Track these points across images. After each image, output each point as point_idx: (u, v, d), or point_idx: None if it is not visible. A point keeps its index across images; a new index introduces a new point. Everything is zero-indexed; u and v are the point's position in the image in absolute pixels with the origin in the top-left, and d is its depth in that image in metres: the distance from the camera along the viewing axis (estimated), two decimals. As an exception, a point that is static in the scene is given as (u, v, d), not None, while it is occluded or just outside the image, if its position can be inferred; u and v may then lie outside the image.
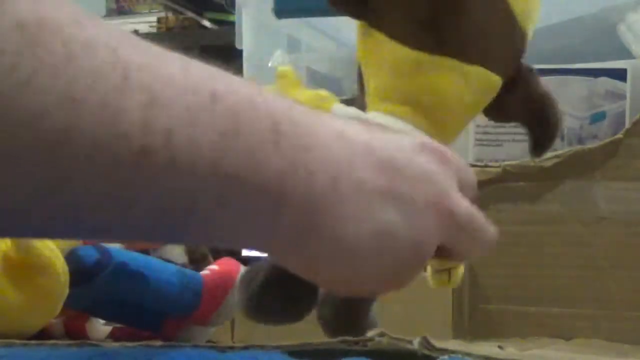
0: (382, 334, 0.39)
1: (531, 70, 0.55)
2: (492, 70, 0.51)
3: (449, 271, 0.55)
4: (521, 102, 0.54)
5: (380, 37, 0.51)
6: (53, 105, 0.29)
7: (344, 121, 0.39)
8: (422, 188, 0.39)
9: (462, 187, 0.42)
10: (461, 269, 0.57)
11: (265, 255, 0.47)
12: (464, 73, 0.50)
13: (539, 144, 0.55)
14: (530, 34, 0.55)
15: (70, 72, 0.29)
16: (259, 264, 0.52)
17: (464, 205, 0.41)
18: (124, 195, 0.32)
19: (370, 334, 0.39)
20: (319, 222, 0.36)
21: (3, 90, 0.28)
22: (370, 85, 0.52)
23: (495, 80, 0.52)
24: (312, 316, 0.54)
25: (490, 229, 0.45)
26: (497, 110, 0.55)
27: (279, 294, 0.49)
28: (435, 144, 0.42)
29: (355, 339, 0.39)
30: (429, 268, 0.55)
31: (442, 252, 0.43)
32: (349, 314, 0.53)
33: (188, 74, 0.33)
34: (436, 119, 0.50)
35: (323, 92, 0.55)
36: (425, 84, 0.50)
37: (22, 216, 0.31)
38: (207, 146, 0.32)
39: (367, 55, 0.52)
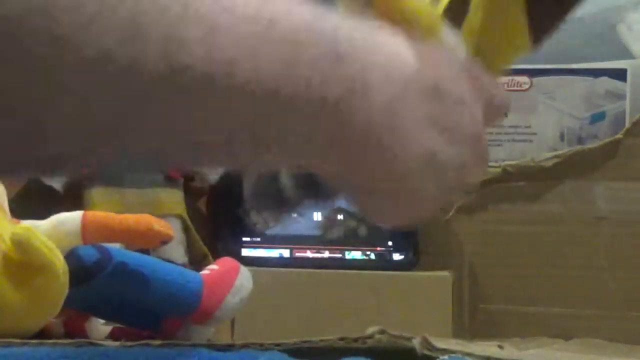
0: (381, 332, 0.39)
1: None
2: None
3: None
4: None
5: None
6: (117, 43, 0.29)
7: (398, 41, 0.40)
8: (463, 115, 0.41)
9: (488, 107, 0.43)
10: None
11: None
12: None
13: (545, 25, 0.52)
14: None
15: (132, 8, 0.29)
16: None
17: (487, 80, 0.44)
18: (192, 118, 0.32)
19: (369, 331, 0.39)
20: (376, 139, 0.37)
21: (67, 31, 0.28)
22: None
23: None
24: (312, 316, 0.53)
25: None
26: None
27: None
28: (475, 69, 0.44)
29: (354, 336, 0.39)
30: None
31: None
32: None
33: (247, 1, 0.33)
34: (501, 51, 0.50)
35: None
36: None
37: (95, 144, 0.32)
38: (268, 74, 0.33)
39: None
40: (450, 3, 0.51)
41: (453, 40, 0.48)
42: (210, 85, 0.31)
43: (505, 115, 0.92)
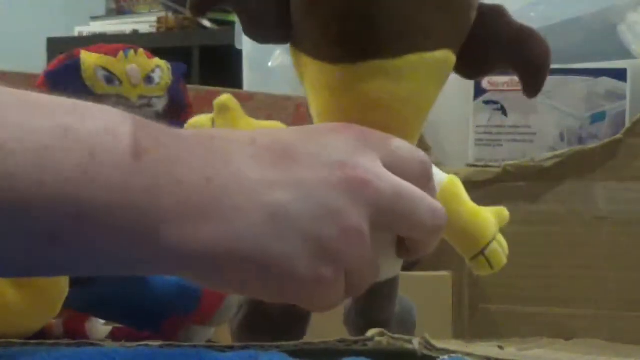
0: (381, 334, 0.39)
1: (497, 8, 0.49)
2: (429, 49, 0.46)
3: (482, 253, 0.52)
4: (496, 46, 0.48)
5: (306, 60, 0.47)
6: None
7: (221, 129, 0.40)
8: (317, 167, 0.38)
9: (394, 164, 0.40)
10: (495, 247, 0.52)
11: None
12: (398, 69, 0.45)
13: (531, 82, 0.49)
14: None
15: None
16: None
17: (385, 178, 0.39)
18: None
19: (369, 333, 0.39)
20: (200, 227, 0.36)
21: None
22: (312, 108, 0.49)
23: (439, 56, 0.46)
24: (312, 316, 0.53)
25: (436, 205, 0.41)
26: (474, 65, 0.50)
27: (263, 331, 0.47)
28: (352, 127, 0.41)
29: (354, 338, 0.39)
30: (466, 259, 0.53)
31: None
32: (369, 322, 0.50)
33: (37, 114, 0.34)
34: (384, 127, 0.45)
35: (274, 123, 0.51)
36: (359, 97, 0.46)
37: None
38: (60, 182, 0.33)
39: (302, 77, 0.48)
40: None
41: None
42: None
43: (505, 115, 0.92)
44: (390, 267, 0.45)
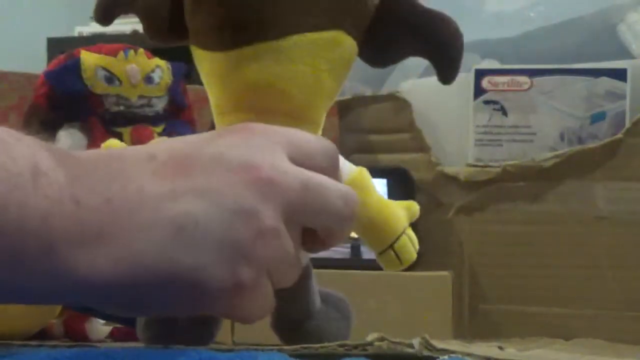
0: (382, 339, 0.39)
1: None
2: (314, 29, 0.46)
3: (391, 248, 0.49)
4: (401, 31, 0.48)
5: (198, 53, 0.47)
6: None
7: (120, 149, 0.39)
8: (219, 171, 0.37)
9: (299, 156, 0.39)
10: (405, 241, 0.50)
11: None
12: (278, 50, 0.45)
13: (443, 66, 0.48)
14: None
15: None
16: None
17: (291, 171, 0.38)
18: None
19: (369, 338, 0.39)
20: (101, 251, 0.34)
21: None
22: (211, 103, 0.49)
23: (326, 37, 0.46)
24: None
25: (347, 191, 0.40)
26: (380, 52, 0.49)
27: (177, 341, 0.47)
28: (247, 126, 0.40)
29: (354, 343, 0.39)
30: (375, 254, 0.51)
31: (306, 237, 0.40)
32: (294, 320, 0.50)
33: None
34: (277, 111, 0.46)
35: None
36: (246, 80, 0.46)
37: None
38: None
39: (201, 73, 0.48)
40: None
41: None
42: None
43: (505, 115, 0.92)
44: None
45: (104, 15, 0.49)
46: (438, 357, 0.39)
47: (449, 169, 0.91)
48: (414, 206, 0.52)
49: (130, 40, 0.88)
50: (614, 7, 0.98)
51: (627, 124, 0.86)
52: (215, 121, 0.49)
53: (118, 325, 0.76)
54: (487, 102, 0.92)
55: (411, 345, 0.39)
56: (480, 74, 0.92)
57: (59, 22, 2.74)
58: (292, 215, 0.38)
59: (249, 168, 0.37)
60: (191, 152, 0.38)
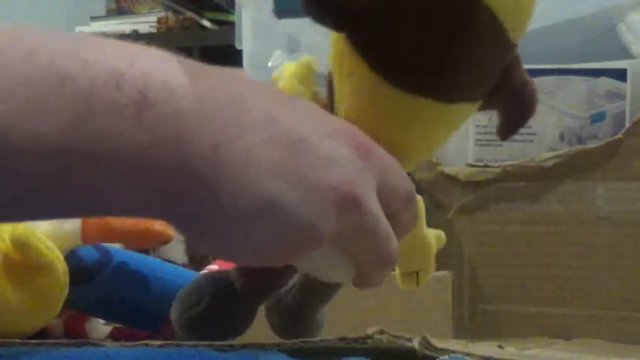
0: (381, 332, 0.39)
1: (517, 57, 0.51)
2: (476, 100, 0.48)
3: (416, 274, 0.55)
4: (501, 94, 0.50)
5: (358, 61, 0.46)
6: None
7: (253, 90, 0.38)
8: (323, 170, 0.38)
9: (386, 189, 0.41)
10: (431, 271, 0.56)
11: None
12: (445, 113, 0.46)
13: (511, 129, 0.51)
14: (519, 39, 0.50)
15: None
16: (198, 285, 0.52)
17: (373, 206, 0.40)
18: None
19: (369, 331, 0.39)
20: (196, 188, 0.35)
21: None
22: (343, 105, 0.48)
23: (476, 105, 0.48)
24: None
25: (394, 250, 0.42)
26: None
27: (221, 321, 0.48)
28: (364, 137, 0.41)
29: (354, 337, 0.39)
30: (397, 269, 0.54)
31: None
32: (296, 319, 0.52)
33: (34, 59, 0.33)
34: (399, 151, 0.46)
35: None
36: (402, 125, 0.46)
37: None
38: (53, 133, 0.32)
39: (341, 69, 0.47)
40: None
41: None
42: None
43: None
44: (340, 273, 0.44)
45: None
46: (438, 357, 0.39)
47: (449, 169, 0.91)
48: (442, 236, 0.59)
49: (130, 40, 0.88)
50: (614, 7, 0.98)
51: (627, 124, 0.86)
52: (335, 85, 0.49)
53: (118, 325, 0.76)
54: (487, 102, 0.92)
55: (410, 340, 0.39)
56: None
57: (59, 22, 2.75)
58: (346, 235, 0.40)
59: (348, 185, 0.39)
60: (309, 138, 0.38)
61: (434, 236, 0.56)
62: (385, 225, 0.41)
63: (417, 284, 0.55)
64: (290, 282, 0.53)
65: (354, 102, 0.47)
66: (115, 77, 0.34)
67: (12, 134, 0.32)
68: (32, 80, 0.32)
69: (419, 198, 0.51)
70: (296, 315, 0.52)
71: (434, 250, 0.56)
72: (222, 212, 0.36)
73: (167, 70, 0.35)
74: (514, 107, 0.50)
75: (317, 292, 0.52)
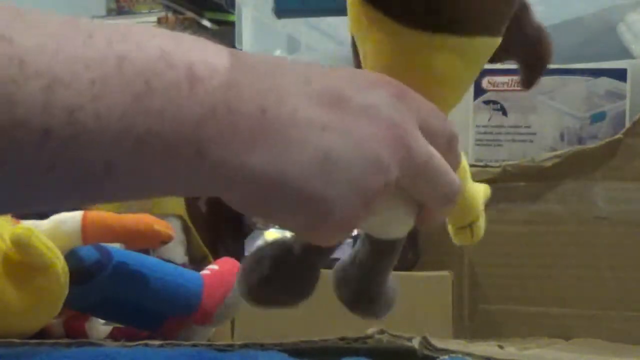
0: (381, 332, 0.39)
1: (525, 3, 0.51)
2: (493, 34, 0.49)
3: (470, 227, 0.55)
4: (516, 40, 0.51)
5: (372, 13, 0.48)
6: None
7: (284, 60, 0.40)
8: (368, 119, 0.39)
9: (427, 130, 0.42)
10: (481, 223, 0.56)
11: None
12: (466, 49, 0.48)
13: (532, 76, 0.52)
14: None
15: None
16: (259, 250, 0.52)
17: (422, 143, 0.41)
18: (34, 170, 0.33)
19: (369, 331, 0.39)
20: (249, 156, 0.37)
21: None
22: (367, 62, 0.50)
23: (495, 43, 0.49)
24: (312, 316, 0.53)
25: (455, 181, 0.43)
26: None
27: (283, 284, 0.49)
28: (397, 83, 0.43)
29: (354, 336, 0.39)
30: (450, 226, 0.56)
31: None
32: (365, 290, 0.52)
33: (92, 43, 0.34)
34: (431, 97, 0.47)
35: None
36: (425, 65, 0.47)
37: None
38: (116, 114, 0.34)
39: (359, 27, 0.49)
40: None
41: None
42: (46, 137, 0.33)
43: (505, 115, 0.92)
44: (399, 227, 0.46)
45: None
46: (438, 357, 0.39)
47: (449, 169, 0.91)
48: (489, 189, 0.58)
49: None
50: (614, 7, 0.98)
51: (627, 124, 0.86)
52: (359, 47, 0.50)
53: (118, 325, 0.76)
54: (487, 102, 0.92)
55: (410, 340, 0.39)
56: (480, 74, 0.92)
57: (59, 23, 2.74)
58: (405, 177, 0.41)
59: (394, 128, 0.40)
60: (343, 91, 0.40)
61: (482, 190, 0.57)
62: (439, 159, 0.42)
63: (472, 237, 0.55)
64: (353, 252, 0.53)
65: (377, 55, 0.48)
66: (164, 57, 0.35)
67: (81, 115, 0.33)
68: (94, 63, 0.34)
69: (462, 153, 0.52)
70: (364, 284, 0.52)
71: (482, 203, 0.56)
72: (280, 176, 0.37)
73: (207, 50, 0.37)
74: (530, 53, 0.51)
75: (380, 254, 0.52)
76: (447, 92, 0.49)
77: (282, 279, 0.49)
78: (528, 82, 0.52)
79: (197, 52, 0.37)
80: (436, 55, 0.47)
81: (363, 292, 0.52)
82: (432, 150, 0.42)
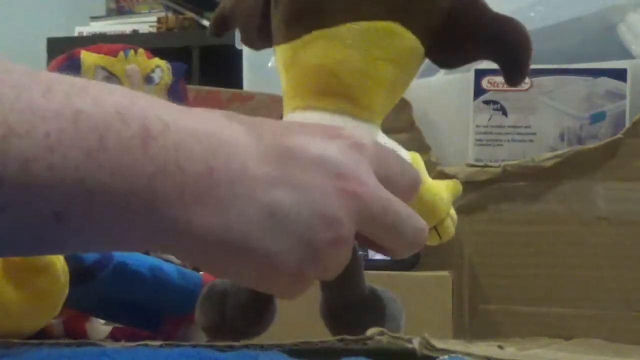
0: (381, 333, 0.39)
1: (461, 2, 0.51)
2: (371, 19, 0.50)
3: (435, 229, 0.55)
4: (475, 36, 0.50)
5: (275, 50, 0.52)
6: None
7: (229, 117, 0.41)
8: (318, 172, 0.39)
9: (386, 178, 0.42)
10: (448, 222, 0.56)
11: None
12: (335, 35, 0.49)
13: (512, 70, 0.51)
14: None
15: None
16: (213, 285, 0.53)
17: (378, 192, 0.41)
18: None
19: (369, 332, 0.39)
20: (195, 212, 0.37)
21: None
22: (283, 87, 0.53)
23: (381, 27, 0.50)
24: (313, 316, 0.53)
25: (419, 224, 0.43)
26: (450, 54, 0.52)
27: (250, 315, 0.49)
28: (349, 133, 0.43)
29: (354, 337, 0.39)
30: None
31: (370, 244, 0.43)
32: (340, 305, 0.52)
33: (51, 97, 0.35)
34: (333, 94, 0.50)
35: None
36: (306, 64, 0.50)
37: None
38: (70, 166, 0.34)
39: (277, 61, 0.53)
40: None
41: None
42: (2, 184, 0.33)
43: (505, 115, 0.92)
44: None
45: (216, 31, 0.57)
46: (438, 357, 0.39)
47: (449, 169, 0.91)
48: (457, 186, 0.58)
49: (130, 40, 0.88)
50: (614, 7, 0.98)
51: (627, 124, 0.86)
52: (284, 105, 0.53)
53: (118, 325, 0.76)
54: (487, 102, 0.92)
55: (410, 341, 0.39)
56: (480, 74, 0.92)
57: (59, 22, 2.75)
58: (364, 228, 0.41)
59: (343, 178, 0.40)
60: (297, 146, 0.40)
61: (448, 187, 0.57)
62: (399, 204, 0.42)
63: (441, 239, 0.55)
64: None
65: (283, 82, 0.52)
66: (120, 112, 0.36)
67: (34, 166, 0.33)
68: (50, 115, 0.34)
69: (416, 154, 0.53)
70: (338, 300, 0.52)
71: (448, 201, 0.56)
72: (228, 231, 0.38)
73: (161, 107, 0.38)
74: (501, 47, 0.50)
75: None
76: (347, 84, 0.50)
77: (236, 312, 0.49)
78: (509, 77, 0.51)
79: (152, 109, 0.37)
80: (309, 50, 0.50)
81: (338, 308, 0.52)
82: (391, 196, 0.41)
